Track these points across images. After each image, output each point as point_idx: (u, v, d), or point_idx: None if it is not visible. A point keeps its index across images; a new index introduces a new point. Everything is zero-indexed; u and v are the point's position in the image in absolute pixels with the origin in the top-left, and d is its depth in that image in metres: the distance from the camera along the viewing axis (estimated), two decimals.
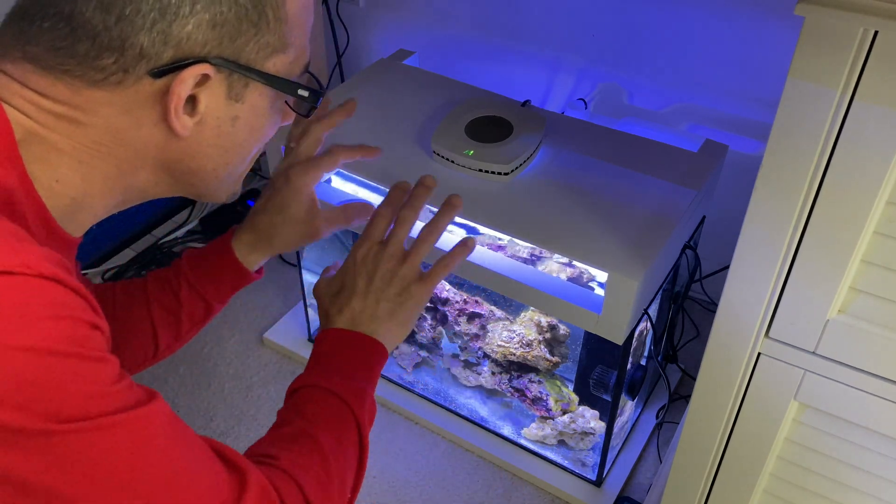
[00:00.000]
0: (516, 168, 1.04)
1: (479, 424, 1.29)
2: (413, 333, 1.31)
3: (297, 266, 1.35)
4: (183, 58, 0.55)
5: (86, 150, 0.57)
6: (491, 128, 1.08)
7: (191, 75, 0.56)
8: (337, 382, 0.71)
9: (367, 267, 0.76)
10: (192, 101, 0.58)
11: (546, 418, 1.22)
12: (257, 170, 1.83)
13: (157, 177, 0.62)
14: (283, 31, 0.60)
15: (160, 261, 1.58)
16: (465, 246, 0.80)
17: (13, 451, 0.48)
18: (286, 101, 0.66)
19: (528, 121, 1.09)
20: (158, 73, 0.55)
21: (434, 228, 0.78)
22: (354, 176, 1.08)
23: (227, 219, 1.68)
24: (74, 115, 0.56)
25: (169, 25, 0.54)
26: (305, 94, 0.64)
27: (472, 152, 1.03)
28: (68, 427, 0.49)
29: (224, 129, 0.61)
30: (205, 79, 0.57)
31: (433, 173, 1.05)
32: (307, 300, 1.38)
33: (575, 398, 1.20)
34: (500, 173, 1.03)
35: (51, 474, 0.49)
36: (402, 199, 0.79)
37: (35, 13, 0.54)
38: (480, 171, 1.03)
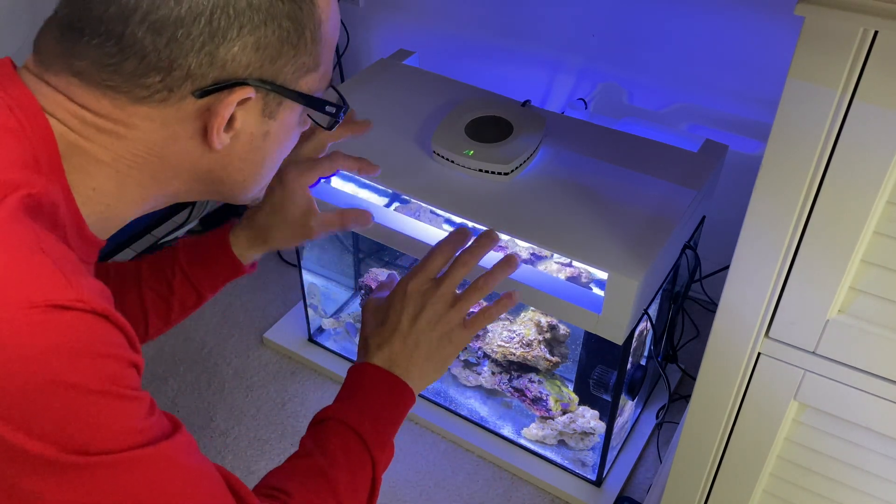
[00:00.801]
0: (516, 168, 1.04)
1: (479, 424, 1.29)
2: None
3: (297, 266, 1.35)
4: (226, 79, 0.57)
5: (124, 161, 0.59)
6: (491, 128, 1.08)
7: (237, 99, 0.57)
8: (363, 423, 0.71)
9: (414, 303, 0.76)
10: (230, 120, 0.59)
11: (546, 418, 1.22)
12: None
13: (189, 186, 0.64)
14: (317, 51, 0.62)
15: None
16: (511, 299, 0.79)
17: (44, 479, 0.50)
18: (309, 115, 0.68)
19: (527, 121, 1.09)
20: (202, 93, 0.57)
21: (490, 279, 0.77)
22: (355, 176, 1.08)
23: (227, 218, 1.68)
24: (115, 129, 0.57)
25: (216, 48, 0.55)
26: (333, 110, 0.66)
27: (472, 152, 1.03)
28: (97, 460, 0.51)
29: (256, 143, 0.63)
30: (246, 100, 0.59)
31: (433, 173, 1.06)
32: (307, 300, 1.38)
33: (575, 398, 1.20)
34: (500, 173, 1.03)
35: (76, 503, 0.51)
36: (463, 243, 0.79)
37: (84, 28, 0.55)
38: (480, 171, 1.03)
